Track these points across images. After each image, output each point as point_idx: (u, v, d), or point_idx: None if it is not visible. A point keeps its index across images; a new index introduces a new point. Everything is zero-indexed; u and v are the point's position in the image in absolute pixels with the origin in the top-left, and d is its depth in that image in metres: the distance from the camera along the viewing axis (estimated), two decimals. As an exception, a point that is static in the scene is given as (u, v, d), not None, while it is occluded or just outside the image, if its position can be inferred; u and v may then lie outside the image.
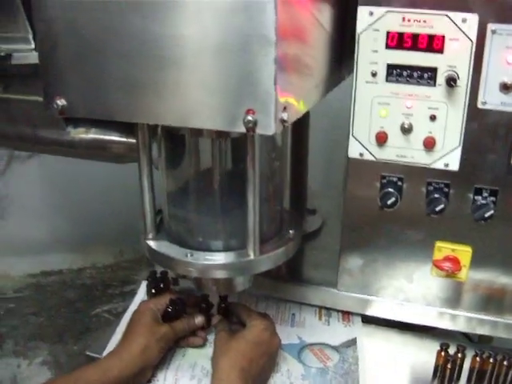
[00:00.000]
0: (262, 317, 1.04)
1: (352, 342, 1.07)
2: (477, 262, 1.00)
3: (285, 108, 0.76)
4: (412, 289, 1.06)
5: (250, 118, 0.73)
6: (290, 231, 1.01)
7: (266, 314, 1.08)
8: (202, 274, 0.97)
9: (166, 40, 0.74)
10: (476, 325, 1.05)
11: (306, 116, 1.20)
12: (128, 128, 0.95)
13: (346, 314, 1.14)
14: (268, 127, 0.74)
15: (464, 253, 0.99)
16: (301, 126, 1.19)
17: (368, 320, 1.13)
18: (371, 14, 0.92)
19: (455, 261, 0.99)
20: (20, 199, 2.28)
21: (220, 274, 0.97)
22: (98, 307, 2.18)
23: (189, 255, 0.94)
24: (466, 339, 1.13)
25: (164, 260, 0.98)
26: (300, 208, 1.29)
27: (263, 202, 0.95)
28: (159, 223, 1.03)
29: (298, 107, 0.85)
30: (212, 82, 0.74)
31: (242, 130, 0.74)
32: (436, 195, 0.96)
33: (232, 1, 0.70)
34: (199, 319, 1.05)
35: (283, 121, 0.76)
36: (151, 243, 0.99)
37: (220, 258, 0.94)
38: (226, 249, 0.96)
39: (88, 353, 1.10)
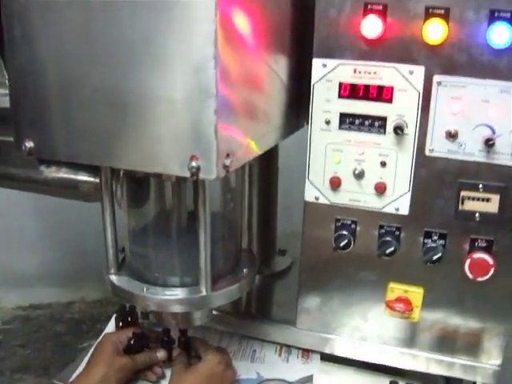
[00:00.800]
0: (218, 351, 1.06)
1: (309, 379, 1.08)
2: (429, 302, 1.02)
3: (228, 155, 0.79)
4: (367, 328, 1.07)
5: (193, 163, 0.76)
6: (244, 270, 1.04)
7: (222, 348, 1.09)
8: (158, 308, 1.00)
9: (124, 91, 0.78)
10: (432, 365, 1.06)
11: (274, 157, 1.24)
12: (96, 168, 0.99)
13: (306, 352, 1.15)
14: (210, 173, 0.77)
15: (416, 294, 1.01)
16: (268, 167, 1.24)
17: (327, 358, 1.14)
18: (325, 65, 0.95)
19: (407, 301, 1.01)
20: (11, 231, 2.28)
21: (175, 309, 0.99)
22: (86, 341, 2.16)
23: (146, 290, 0.97)
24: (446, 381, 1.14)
25: (124, 294, 1.00)
26: (269, 248, 1.32)
27: (217, 241, 0.98)
28: (123, 259, 1.06)
29: (247, 151, 0.89)
30: (162, 130, 0.78)
31: (187, 174, 0.78)
32: (387, 238, 0.99)
33: (180, 59, 0.74)
34: (161, 353, 1.07)
35: (226, 166, 0.79)
36: (113, 278, 1.02)
37: (175, 293, 0.97)
38: (182, 285, 0.98)
39: (55, 381, 1.12)
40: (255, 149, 0.92)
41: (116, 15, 0.76)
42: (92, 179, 1.03)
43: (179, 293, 0.97)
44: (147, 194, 0.99)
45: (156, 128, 0.79)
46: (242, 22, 0.80)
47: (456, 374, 1.06)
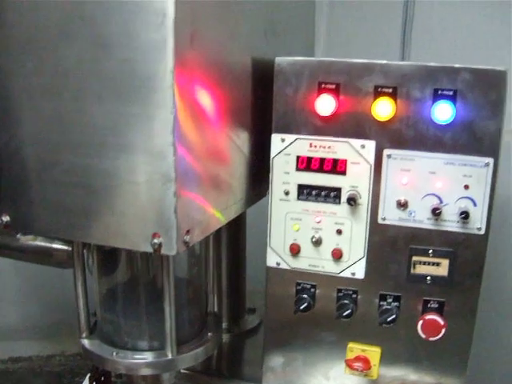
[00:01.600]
0: None
1: None
2: (386, 360, 1.04)
3: (188, 231, 0.83)
4: (330, 386, 1.11)
5: (155, 240, 0.81)
6: (209, 333, 1.07)
7: None
8: (127, 371, 1.02)
9: (92, 173, 0.83)
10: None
11: (242, 219, 1.29)
12: (70, 237, 1.04)
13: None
14: (171, 249, 0.81)
15: (373, 353, 1.04)
16: (237, 229, 1.28)
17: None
18: (283, 140, 1.00)
19: (365, 360, 1.04)
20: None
21: (143, 372, 1.02)
22: (65, 395, 2.19)
23: (115, 354, 1.00)
24: None
25: (95, 358, 1.03)
26: (239, 307, 1.36)
27: (183, 306, 1.02)
28: (95, 323, 1.08)
29: (212, 223, 0.93)
30: (127, 209, 0.82)
31: (151, 250, 0.82)
32: (345, 301, 1.02)
33: (142, 146, 0.79)
34: None
35: (186, 243, 0.83)
36: (85, 342, 1.05)
37: (144, 357, 1.00)
38: (151, 348, 1.01)
39: None
40: (220, 219, 0.96)
41: (85, 105, 0.80)
42: (66, 247, 1.07)
43: (147, 356, 1.00)
44: (116, 263, 1.02)
45: (122, 207, 0.83)
46: (202, 104, 0.85)
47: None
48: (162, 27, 0.75)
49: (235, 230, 1.26)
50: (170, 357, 0.99)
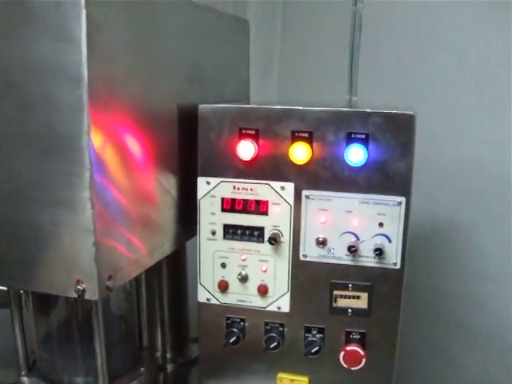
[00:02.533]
0: None
1: None
2: None
3: (110, 277, 0.85)
4: (262, 415, 1.12)
5: (79, 286, 0.82)
6: (142, 368, 1.09)
7: None
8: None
9: (19, 224, 0.85)
10: None
11: (182, 253, 1.32)
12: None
13: None
14: (93, 295, 0.83)
15: (301, 382, 1.06)
16: (178, 263, 1.31)
17: None
18: (208, 183, 1.03)
19: None
20: None
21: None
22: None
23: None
24: None
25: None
26: (182, 336, 1.39)
27: (115, 342, 1.04)
28: (34, 360, 1.10)
29: (140, 263, 0.96)
30: (52, 257, 0.84)
31: (75, 295, 0.83)
32: (272, 334, 1.04)
33: (63, 200, 0.81)
34: None
35: (108, 288, 0.85)
36: (24, 380, 1.07)
37: (79, 392, 1.02)
38: (86, 384, 1.04)
39: None
40: (150, 259, 0.99)
41: (12, 161, 0.83)
42: (3, 288, 1.10)
43: (82, 392, 1.02)
44: (50, 305, 1.03)
45: (48, 257, 0.85)
46: (127, 153, 0.88)
47: None
48: (78, 90, 0.77)
49: (176, 264, 1.28)
50: (102, 392, 1.02)
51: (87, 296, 0.85)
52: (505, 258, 1.59)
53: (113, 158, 0.85)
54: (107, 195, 0.84)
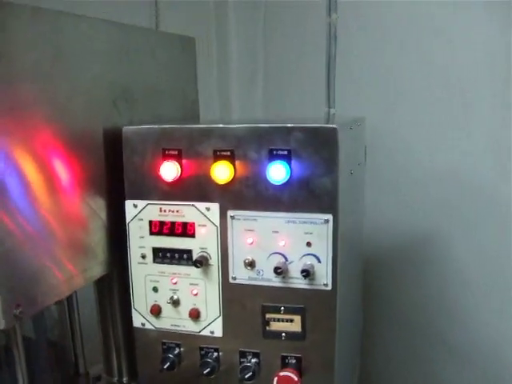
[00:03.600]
0: None
1: None
2: None
3: (18, 305, 0.80)
4: None
5: None
6: None
7: None
8: None
9: None
10: None
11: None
12: None
13: None
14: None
15: None
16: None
17: None
18: (135, 206, 0.98)
19: None
20: None
21: None
22: None
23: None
24: None
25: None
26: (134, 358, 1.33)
27: (44, 369, 1.00)
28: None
29: (67, 286, 0.92)
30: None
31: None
32: (206, 359, 0.98)
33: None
34: None
35: (16, 316, 0.80)
36: None
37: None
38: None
39: None
40: (80, 280, 0.95)
41: None
42: None
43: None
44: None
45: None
46: (49, 177, 0.87)
47: None
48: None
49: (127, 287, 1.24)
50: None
51: (-5, 325, 0.81)
52: (482, 268, 1.52)
53: (29, 178, 0.83)
54: (19, 218, 0.81)
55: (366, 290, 1.69)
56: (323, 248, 0.92)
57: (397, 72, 1.61)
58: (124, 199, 1.00)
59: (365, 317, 1.60)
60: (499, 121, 1.45)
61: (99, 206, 1.00)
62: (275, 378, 0.96)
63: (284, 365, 0.98)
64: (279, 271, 0.92)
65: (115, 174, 1.01)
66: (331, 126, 0.90)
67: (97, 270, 1.01)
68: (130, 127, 0.98)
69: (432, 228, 1.61)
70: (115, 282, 1.09)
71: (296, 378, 0.95)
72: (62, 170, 0.91)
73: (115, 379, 1.23)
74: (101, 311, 1.17)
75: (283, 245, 0.94)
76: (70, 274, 0.93)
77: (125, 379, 1.23)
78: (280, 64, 1.86)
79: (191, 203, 0.96)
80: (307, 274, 0.92)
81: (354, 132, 1.13)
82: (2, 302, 0.80)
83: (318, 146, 0.90)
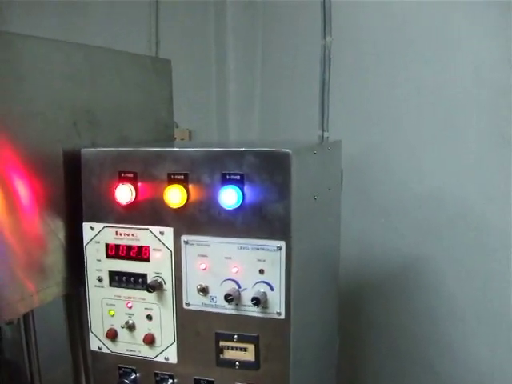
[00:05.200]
0: None
1: None
2: None
3: None
4: None
5: None
6: None
7: None
8: None
9: None
10: None
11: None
12: None
13: None
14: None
15: None
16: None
17: None
18: (92, 229, 0.94)
19: None
20: None
21: None
22: None
23: None
24: None
25: None
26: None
27: None
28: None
29: (22, 306, 0.89)
30: None
31: None
32: None
33: None
34: None
35: None
36: None
37: None
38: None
39: None
40: (35, 300, 0.92)
41: None
42: None
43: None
44: None
45: None
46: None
47: None
48: None
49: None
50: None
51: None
52: (468, 295, 1.44)
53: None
54: None
55: (356, 315, 1.64)
56: (276, 275, 0.87)
57: (388, 95, 1.55)
58: (83, 221, 0.97)
59: (354, 343, 1.54)
60: (487, 143, 1.38)
61: (58, 226, 0.97)
62: (227, 408, 0.91)
63: (238, 394, 0.92)
64: (229, 298, 0.88)
65: (75, 195, 0.97)
66: (284, 150, 0.85)
67: (54, 290, 0.97)
68: (89, 149, 0.95)
69: (421, 254, 1.54)
70: (84, 302, 1.05)
71: (248, 410, 0.90)
72: (21, 189, 0.88)
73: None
74: (70, 331, 1.14)
75: (236, 271, 0.89)
76: (26, 292, 0.89)
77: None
78: (276, 86, 1.82)
79: (146, 227, 0.92)
80: (257, 302, 0.87)
81: (322, 156, 1.08)
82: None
83: (271, 170, 0.86)
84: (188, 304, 0.91)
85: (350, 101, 1.62)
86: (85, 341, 1.11)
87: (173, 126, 1.22)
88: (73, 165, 0.97)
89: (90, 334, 0.98)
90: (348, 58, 1.60)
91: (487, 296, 1.42)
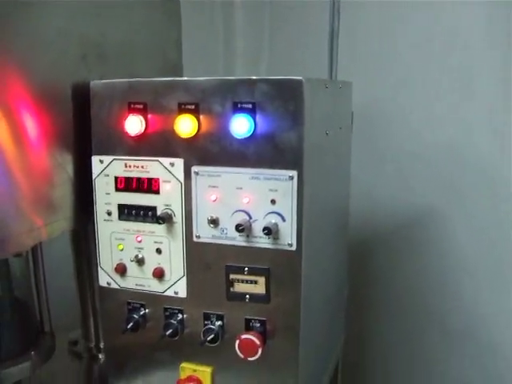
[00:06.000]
0: None
1: None
2: (219, 381, 0.94)
3: None
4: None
5: None
6: (32, 352, 0.98)
7: None
8: None
9: None
10: None
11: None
12: None
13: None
14: None
15: (204, 373, 0.92)
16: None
17: None
18: (101, 161, 0.92)
19: (197, 380, 0.91)
20: None
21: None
22: None
23: None
24: None
25: None
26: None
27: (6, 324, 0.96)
28: None
29: (27, 238, 0.88)
30: None
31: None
32: (170, 320, 0.92)
33: None
34: None
35: None
36: None
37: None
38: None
39: None
40: (42, 234, 0.90)
41: None
42: None
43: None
44: None
45: None
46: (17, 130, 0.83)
47: None
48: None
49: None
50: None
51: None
52: (480, 249, 1.42)
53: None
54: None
55: (363, 270, 1.62)
56: (288, 206, 0.85)
57: (399, 43, 1.52)
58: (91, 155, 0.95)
59: (362, 302, 1.52)
60: (501, 97, 1.36)
61: (66, 160, 0.95)
62: (237, 341, 0.89)
63: (248, 328, 0.90)
64: (241, 228, 0.86)
65: (83, 129, 0.95)
66: (297, 78, 0.83)
67: (62, 224, 0.95)
68: (98, 81, 0.93)
69: (432, 205, 1.52)
70: (92, 239, 1.03)
71: (258, 342, 0.88)
72: (28, 122, 0.86)
73: (92, 344, 1.18)
74: (77, 270, 1.13)
75: (247, 202, 0.87)
76: (33, 225, 0.87)
77: (102, 344, 1.18)
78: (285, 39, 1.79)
79: (156, 158, 0.90)
80: (269, 231, 0.84)
81: (333, 92, 1.05)
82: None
83: (284, 99, 0.83)
84: (198, 236, 0.89)
85: (359, 48, 1.59)
86: (93, 279, 1.10)
87: (182, 68, 1.20)
88: (82, 98, 0.94)
89: (99, 269, 0.97)
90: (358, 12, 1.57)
91: (498, 249, 1.40)
